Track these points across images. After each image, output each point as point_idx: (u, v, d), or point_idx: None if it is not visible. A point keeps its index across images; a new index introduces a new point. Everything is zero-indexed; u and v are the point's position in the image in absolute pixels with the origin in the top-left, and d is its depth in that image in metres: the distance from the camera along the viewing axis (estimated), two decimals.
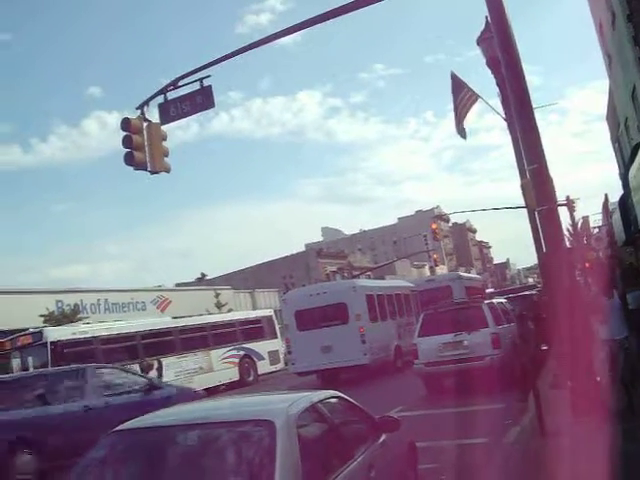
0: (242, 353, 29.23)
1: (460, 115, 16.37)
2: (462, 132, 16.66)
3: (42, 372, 16.00)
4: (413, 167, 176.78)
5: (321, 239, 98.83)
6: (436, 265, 71.92)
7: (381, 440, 5.83)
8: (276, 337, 34.43)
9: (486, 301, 17.64)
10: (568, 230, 44.41)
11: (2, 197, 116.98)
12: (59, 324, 29.44)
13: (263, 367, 30.31)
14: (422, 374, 16.38)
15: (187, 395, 15.56)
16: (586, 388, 9.12)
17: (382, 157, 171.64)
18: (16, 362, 25.77)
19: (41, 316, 31.12)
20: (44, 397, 12.95)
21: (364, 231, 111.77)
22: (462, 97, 16.29)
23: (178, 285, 54.57)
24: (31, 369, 25.75)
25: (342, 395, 5.90)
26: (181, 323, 30.28)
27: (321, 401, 5.43)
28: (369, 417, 6.04)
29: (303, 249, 77.53)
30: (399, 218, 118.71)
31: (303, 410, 4.99)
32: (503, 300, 19.78)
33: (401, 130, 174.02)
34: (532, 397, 9.90)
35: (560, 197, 36.34)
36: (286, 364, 28.32)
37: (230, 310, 40.39)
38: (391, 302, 25.74)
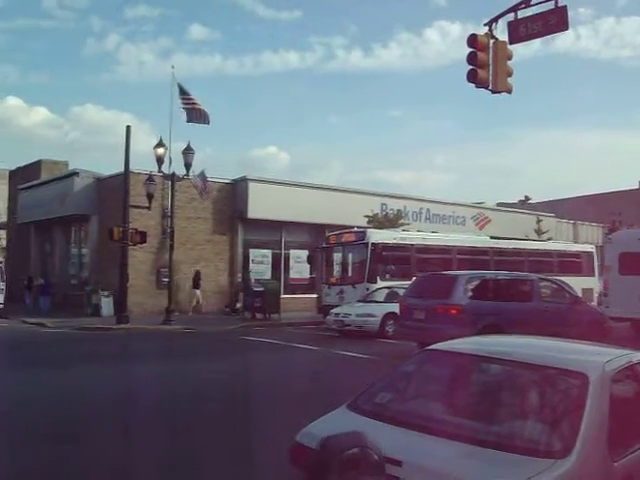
0: None
1: None
2: None
3: (502, 275, 19.28)
4: None
5: None
6: None
7: None
8: (593, 275, 33.07)
9: None
10: None
11: (341, 99, 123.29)
12: (381, 227, 30.88)
13: None
14: None
15: (597, 314, 18.97)
16: None
17: None
18: (337, 255, 27.97)
19: (365, 217, 32.50)
20: (506, 295, 17.16)
21: None
22: None
23: (499, 205, 53.87)
24: (349, 264, 27.79)
25: None
26: (499, 244, 30.34)
27: None
28: None
29: (637, 186, 72.02)
30: None
31: (620, 369, 4.68)
32: None
33: None
34: None
35: None
36: (599, 305, 27.07)
37: (550, 239, 39.18)
38: None
